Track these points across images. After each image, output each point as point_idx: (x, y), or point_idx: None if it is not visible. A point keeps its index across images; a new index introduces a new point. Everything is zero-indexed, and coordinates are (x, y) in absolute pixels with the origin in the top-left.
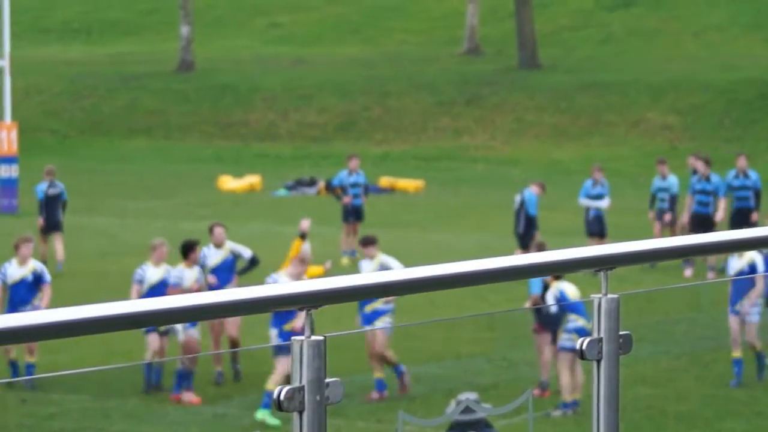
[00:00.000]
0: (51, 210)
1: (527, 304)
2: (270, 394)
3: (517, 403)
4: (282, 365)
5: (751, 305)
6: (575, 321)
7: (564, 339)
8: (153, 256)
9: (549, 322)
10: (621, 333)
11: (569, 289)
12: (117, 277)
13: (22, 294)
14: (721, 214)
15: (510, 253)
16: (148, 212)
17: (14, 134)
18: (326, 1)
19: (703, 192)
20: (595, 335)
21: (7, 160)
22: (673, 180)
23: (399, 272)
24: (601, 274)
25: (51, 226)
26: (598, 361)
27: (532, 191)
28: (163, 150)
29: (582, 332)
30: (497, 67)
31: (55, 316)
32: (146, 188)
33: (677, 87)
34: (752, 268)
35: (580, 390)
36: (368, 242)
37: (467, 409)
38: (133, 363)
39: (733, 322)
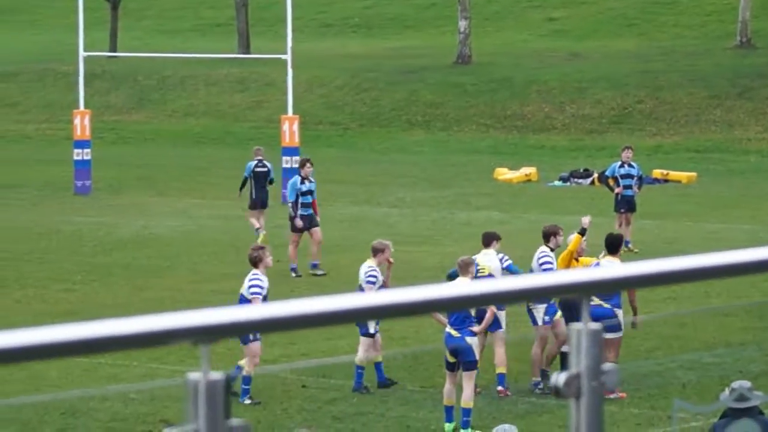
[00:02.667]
0: (259, 187)
1: None
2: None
3: None
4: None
5: None
6: None
7: None
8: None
9: None
10: None
11: None
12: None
13: None
14: None
15: None
16: (425, 202)
17: (296, 126)
18: None
19: None
20: None
21: (289, 151)
22: None
23: (673, 261)
24: None
25: (259, 202)
26: None
27: None
28: (441, 142)
29: None
30: None
31: (334, 304)
32: (424, 179)
33: None
34: None
35: None
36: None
37: (741, 397)
38: (404, 350)
39: None
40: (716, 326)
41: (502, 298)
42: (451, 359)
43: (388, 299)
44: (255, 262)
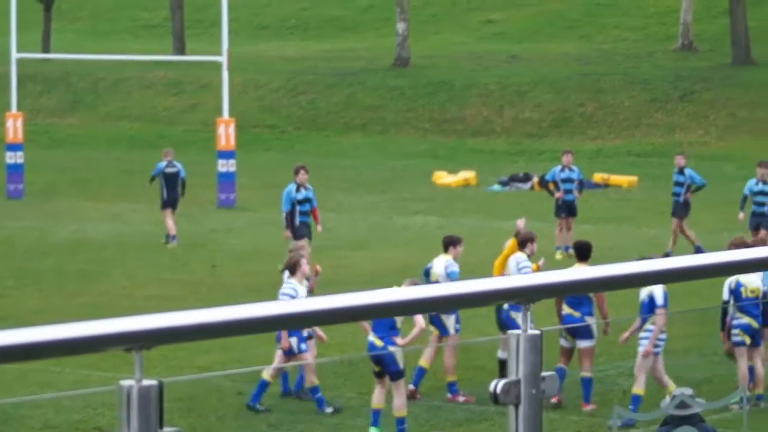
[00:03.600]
0: (170, 187)
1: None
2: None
3: (731, 399)
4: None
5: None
6: (740, 318)
7: (734, 334)
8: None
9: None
10: None
11: (751, 284)
12: (330, 271)
13: None
14: None
15: (721, 249)
16: (362, 207)
17: (232, 129)
18: None
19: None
20: None
21: (225, 154)
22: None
23: (612, 267)
24: None
25: (170, 202)
26: None
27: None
28: (379, 145)
29: (747, 329)
30: (711, 64)
31: (267, 310)
32: (362, 183)
33: None
34: (651, 300)
35: (763, 383)
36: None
37: (682, 404)
38: (339, 357)
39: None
40: None
41: (432, 305)
42: (376, 368)
43: (319, 305)
44: (292, 270)
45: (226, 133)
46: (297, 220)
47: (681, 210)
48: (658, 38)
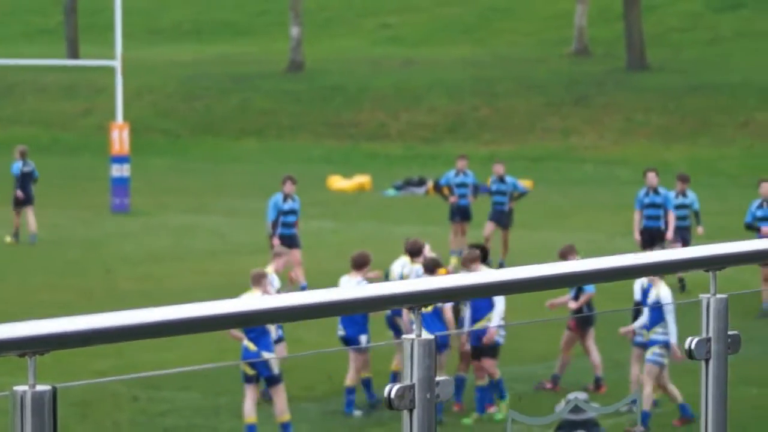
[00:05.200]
0: (25, 186)
1: (572, 304)
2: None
3: (623, 403)
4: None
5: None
6: (663, 334)
7: (655, 354)
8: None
9: (586, 321)
10: (729, 333)
11: (666, 296)
12: (224, 277)
13: None
14: (671, 229)
15: (617, 253)
16: (259, 212)
17: (126, 134)
18: (436, 2)
19: (653, 205)
20: (703, 335)
21: (119, 159)
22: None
23: (505, 272)
24: (710, 274)
25: (24, 200)
26: (707, 361)
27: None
28: (274, 150)
29: (668, 346)
30: (605, 68)
31: (161, 315)
32: (257, 188)
33: None
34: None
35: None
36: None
37: (576, 408)
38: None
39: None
40: (550, 338)
41: (322, 310)
42: (250, 372)
43: (203, 312)
44: (359, 266)
45: (120, 138)
46: (278, 231)
47: (507, 219)
48: (552, 42)
